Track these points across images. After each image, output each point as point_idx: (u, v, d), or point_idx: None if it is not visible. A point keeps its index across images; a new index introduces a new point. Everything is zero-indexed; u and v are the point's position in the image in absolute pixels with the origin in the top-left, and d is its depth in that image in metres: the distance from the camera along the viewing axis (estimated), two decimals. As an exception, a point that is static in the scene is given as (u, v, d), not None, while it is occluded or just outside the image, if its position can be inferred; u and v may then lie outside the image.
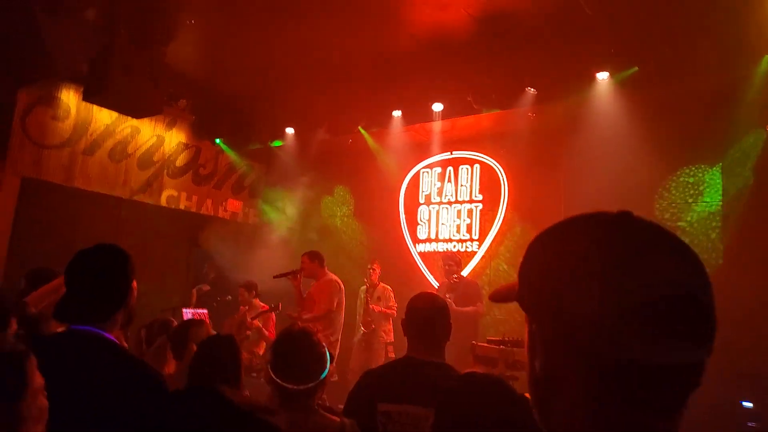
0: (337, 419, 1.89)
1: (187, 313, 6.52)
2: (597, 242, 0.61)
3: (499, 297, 0.75)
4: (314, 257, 5.72)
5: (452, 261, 6.06)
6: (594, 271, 0.58)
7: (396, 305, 6.40)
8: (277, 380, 1.81)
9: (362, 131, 7.15)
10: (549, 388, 0.64)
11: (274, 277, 5.74)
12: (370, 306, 6.41)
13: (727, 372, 3.80)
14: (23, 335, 2.25)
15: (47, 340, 1.87)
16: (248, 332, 5.96)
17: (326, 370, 1.88)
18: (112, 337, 1.65)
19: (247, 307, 6.38)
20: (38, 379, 1.23)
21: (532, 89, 5.60)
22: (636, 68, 4.96)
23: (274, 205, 8.68)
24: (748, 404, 4.47)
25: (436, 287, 6.57)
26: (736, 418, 4.41)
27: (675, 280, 0.57)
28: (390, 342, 6.40)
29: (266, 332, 6.13)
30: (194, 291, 8.27)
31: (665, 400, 0.59)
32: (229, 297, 6.92)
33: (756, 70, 4.87)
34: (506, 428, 1.10)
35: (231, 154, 8.52)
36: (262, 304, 6.46)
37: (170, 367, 2.93)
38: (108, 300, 1.70)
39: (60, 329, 2.01)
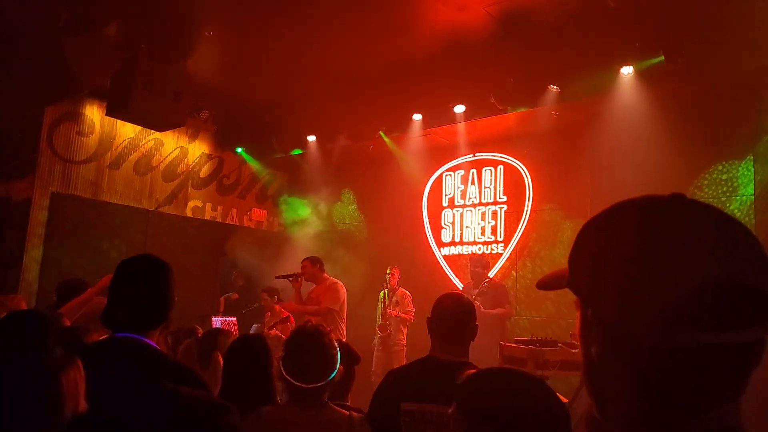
0: (346, 413, 1.94)
1: (216, 322, 6.59)
2: (650, 227, 0.61)
3: (548, 284, 0.75)
4: (315, 261, 5.81)
5: (480, 264, 6.01)
6: (646, 256, 0.58)
7: (414, 310, 6.40)
8: (288, 378, 1.87)
9: (383, 136, 7.13)
10: (605, 374, 0.64)
11: (276, 278, 5.86)
12: (387, 311, 6.43)
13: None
14: (67, 346, 2.29)
15: (90, 348, 1.90)
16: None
17: (335, 371, 1.92)
18: (153, 344, 1.67)
19: (269, 314, 6.43)
20: (81, 387, 1.26)
21: (555, 87, 5.50)
22: (662, 57, 4.81)
23: (297, 212, 8.71)
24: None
25: (461, 288, 6.51)
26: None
27: (727, 264, 0.56)
28: (405, 345, 6.41)
29: (285, 338, 6.13)
30: (222, 299, 8.36)
31: (720, 385, 0.58)
32: (257, 304, 6.94)
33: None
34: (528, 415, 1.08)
35: (253, 163, 8.60)
36: (284, 312, 6.48)
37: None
38: (157, 310, 1.75)
39: (100, 338, 2.04)
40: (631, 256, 0.59)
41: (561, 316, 5.58)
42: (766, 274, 0.57)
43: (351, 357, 2.62)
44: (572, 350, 4.10)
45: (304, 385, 1.85)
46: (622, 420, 0.62)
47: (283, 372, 1.89)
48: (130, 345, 1.66)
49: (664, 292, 0.55)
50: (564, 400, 2.64)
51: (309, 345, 1.92)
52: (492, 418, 1.06)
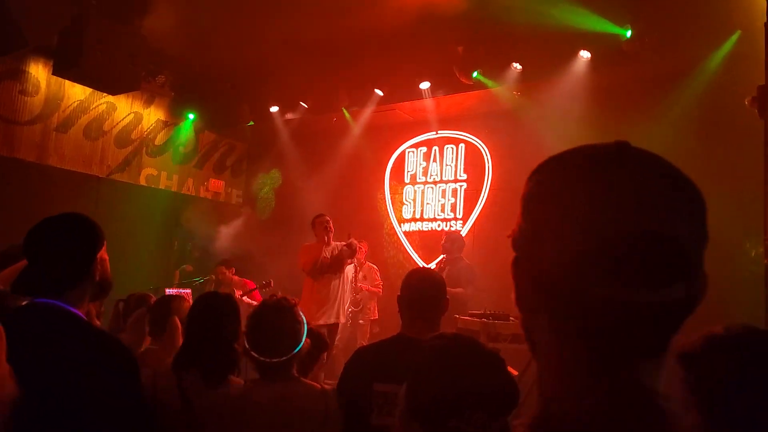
0: (318, 386, 1.92)
1: (171, 293, 6.45)
2: (586, 173, 0.58)
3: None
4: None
5: (450, 240, 6.03)
6: (577, 201, 0.56)
7: (381, 284, 6.45)
8: (252, 353, 1.84)
9: (345, 112, 7.03)
10: (534, 326, 0.63)
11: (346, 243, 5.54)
12: (358, 284, 6.43)
13: None
14: None
15: (11, 314, 1.79)
16: None
17: (300, 344, 1.88)
18: (75, 310, 1.56)
19: (237, 290, 6.38)
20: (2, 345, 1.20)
21: (518, 65, 5.52)
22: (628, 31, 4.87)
23: (260, 184, 8.56)
24: None
25: (419, 263, 6.58)
26: None
27: (656, 218, 0.54)
28: (374, 319, 6.46)
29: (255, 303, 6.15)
30: (177, 272, 8.18)
31: (639, 340, 0.56)
32: (213, 276, 6.83)
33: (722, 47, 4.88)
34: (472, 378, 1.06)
35: (186, 132, 8.27)
36: (246, 280, 6.48)
37: (146, 341, 2.86)
38: (67, 269, 1.60)
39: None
40: (558, 200, 0.58)
41: (512, 291, 5.70)
42: (696, 232, 0.55)
43: (319, 342, 2.58)
44: (524, 325, 4.20)
45: (269, 360, 1.82)
46: (546, 362, 0.62)
47: (247, 347, 1.85)
48: (46, 310, 1.56)
49: (583, 240, 0.54)
50: (514, 372, 2.70)
51: (273, 319, 1.88)
52: (440, 392, 1.04)
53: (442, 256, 6.03)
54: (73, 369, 1.46)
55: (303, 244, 5.53)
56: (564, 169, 0.62)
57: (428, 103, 6.65)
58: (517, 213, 0.65)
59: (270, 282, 5.97)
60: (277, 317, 1.89)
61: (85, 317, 1.66)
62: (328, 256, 5.32)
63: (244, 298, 6.05)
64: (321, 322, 5.04)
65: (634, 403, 0.55)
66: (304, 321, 1.95)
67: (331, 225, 5.39)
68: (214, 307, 2.12)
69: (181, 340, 2.54)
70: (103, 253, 1.71)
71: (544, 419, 0.58)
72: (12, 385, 1.21)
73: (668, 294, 0.54)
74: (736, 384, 0.99)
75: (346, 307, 5.65)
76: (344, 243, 5.48)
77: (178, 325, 2.60)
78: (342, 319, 5.47)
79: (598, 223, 0.54)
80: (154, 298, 3.32)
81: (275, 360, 1.82)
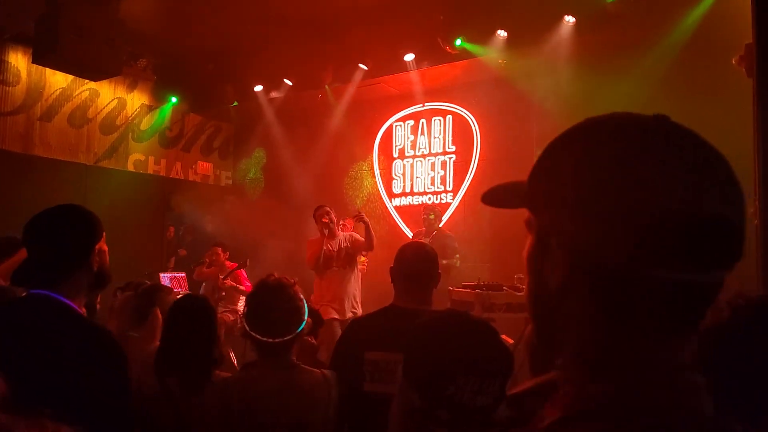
0: (319, 372, 1.89)
1: (165, 278, 6.48)
2: (629, 146, 0.55)
3: (498, 200, 0.67)
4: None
5: (432, 212, 6.09)
6: (623, 179, 0.53)
7: (367, 261, 6.41)
8: (253, 334, 1.79)
9: (328, 89, 6.98)
10: (562, 306, 0.59)
11: (354, 216, 5.39)
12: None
13: None
14: None
15: (6, 306, 1.80)
16: (222, 293, 5.99)
17: (303, 323, 1.84)
18: (68, 301, 1.56)
19: (213, 268, 6.38)
20: None
21: (503, 32, 5.48)
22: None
23: (245, 169, 8.52)
24: None
25: (410, 236, 6.61)
26: None
27: (707, 198, 0.52)
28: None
29: (242, 287, 6.16)
30: (173, 258, 8.20)
31: (685, 319, 0.56)
32: (206, 259, 6.84)
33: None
34: (473, 352, 1.08)
35: (167, 113, 8.17)
36: (230, 263, 6.50)
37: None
38: (62, 260, 1.61)
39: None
40: (606, 178, 0.54)
41: (506, 261, 5.76)
42: (739, 211, 0.54)
43: (315, 318, 2.58)
44: (517, 293, 4.27)
45: (270, 340, 1.77)
46: (574, 349, 0.59)
47: (247, 328, 1.80)
48: (39, 302, 1.57)
49: (639, 222, 0.52)
50: (509, 341, 2.76)
51: (272, 298, 1.84)
52: (434, 362, 1.07)
53: (420, 230, 6.08)
54: (61, 361, 1.47)
55: (308, 239, 5.41)
56: (603, 137, 0.58)
57: (414, 75, 6.61)
58: (537, 180, 0.62)
59: (246, 261, 5.85)
60: (277, 297, 1.84)
61: (81, 309, 1.67)
62: (334, 249, 5.13)
63: (227, 280, 6.05)
64: (333, 316, 4.91)
65: (677, 381, 0.55)
66: (305, 300, 1.92)
67: (333, 216, 5.20)
68: (190, 311, 2.13)
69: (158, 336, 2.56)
70: (102, 244, 1.71)
71: (583, 403, 0.56)
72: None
73: (722, 275, 0.54)
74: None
75: (359, 301, 5.36)
76: (350, 229, 5.38)
77: (158, 317, 2.60)
78: (358, 312, 5.16)
79: (653, 202, 0.52)
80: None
81: (277, 340, 1.78)
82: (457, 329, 1.13)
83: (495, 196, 0.67)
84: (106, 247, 1.75)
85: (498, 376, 1.04)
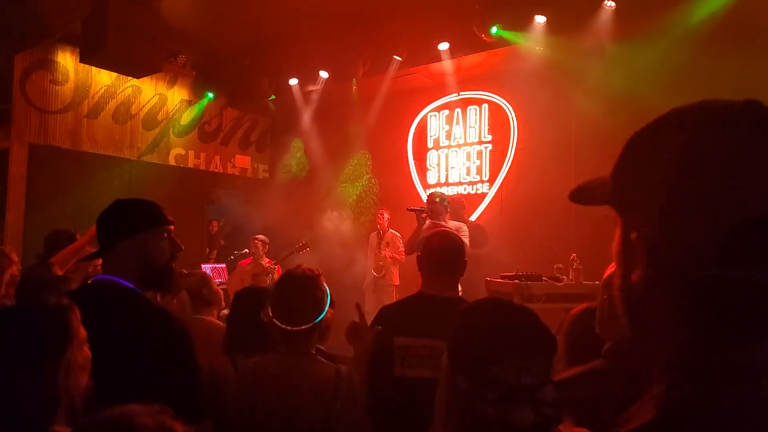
0: (333, 366, 1.90)
1: (206, 269, 6.67)
2: (715, 141, 0.52)
3: (583, 198, 0.67)
4: (444, 199, 5.32)
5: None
6: (709, 178, 0.51)
7: (404, 250, 6.48)
8: (274, 320, 1.85)
9: (353, 84, 7.02)
10: (647, 305, 0.58)
11: (408, 209, 5.48)
12: (382, 252, 6.53)
13: None
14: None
15: (74, 292, 1.90)
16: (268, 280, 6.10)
17: (323, 313, 1.89)
18: (128, 283, 1.65)
19: (252, 259, 6.55)
20: (82, 331, 1.29)
21: (540, 18, 5.38)
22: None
23: (289, 159, 8.61)
24: None
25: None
26: None
27: None
28: (396, 285, 6.56)
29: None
30: (215, 251, 8.41)
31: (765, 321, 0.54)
32: (246, 251, 7.00)
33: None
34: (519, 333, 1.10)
35: (202, 108, 8.34)
36: (268, 259, 6.62)
37: None
38: (108, 234, 1.70)
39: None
40: (692, 178, 0.52)
41: (545, 251, 5.70)
42: None
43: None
44: (557, 283, 4.23)
45: (290, 328, 1.83)
46: (661, 350, 0.59)
47: (271, 315, 1.86)
48: (103, 286, 1.67)
49: (724, 224, 0.50)
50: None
51: (294, 288, 1.89)
52: (478, 344, 1.09)
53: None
54: (135, 339, 1.56)
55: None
56: (689, 131, 0.55)
57: (448, 64, 6.56)
58: (621, 178, 0.60)
59: (304, 243, 6.02)
60: (299, 286, 1.90)
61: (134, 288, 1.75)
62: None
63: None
64: None
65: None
66: (328, 291, 1.96)
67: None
68: (255, 297, 2.26)
69: (189, 315, 2.71)
70: (156, 236, 1.79)
71: (674, 406, 0.55)
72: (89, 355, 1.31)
73: None
74: None
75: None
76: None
77: (184, 300, 2.78)
78: None
79: (747, 201, 0.50)
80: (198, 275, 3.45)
81: (298, 328, 1.83)
82: (500, 312, 1.16)
83: (581, 193, 0.67)
84: (165, 247, 1.84)
85: (541, 355, 1.06)
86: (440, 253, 2.24)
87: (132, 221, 1.72)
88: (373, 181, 7.93)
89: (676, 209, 0.53)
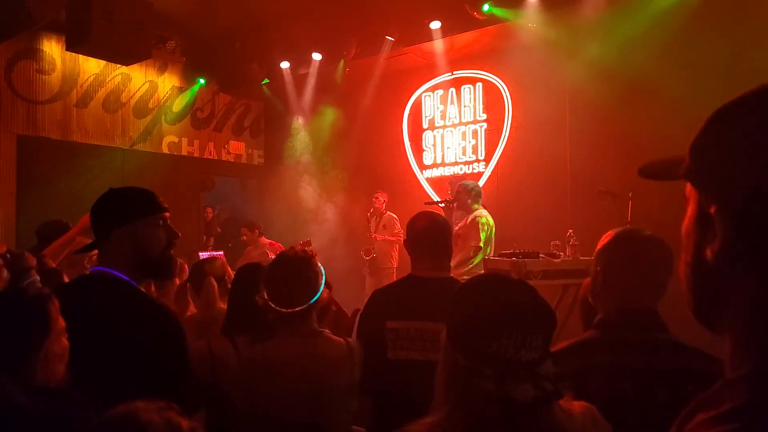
0: (343, 340, 1.94)
1: (204, 256, 6.64)
2: None
3: (655, 173, 0.67)
4: (470, 189, 5.14)
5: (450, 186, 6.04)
6: None
7: (402, 232, 6.50)
8: (269, 303, 1.85)
9: (340, 66, 6.93)
10: (725, 280, 0.58)
11: (426, 203, 5.46)
12: (373, 235, 6.54)
13: None
14: (45, 283, 2.30)
15: (67, 285, 1.88)
16: None
17: (317, 294, 1.89)
18: (123, 276, 1.64)
19: (251, 247, 6.53)
20: (61, 321, 1.29)
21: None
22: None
23: (290, 144, 8.53)
24: None
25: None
26: None
27: None
28: (395, 267, 6.58)
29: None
30: (212, 238, 8.41)
31: None
32: (244, 238, 6.98)
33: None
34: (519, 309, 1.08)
35: (194, 94, 8.26)
36: (269, 241, 6.60)
37: (191, 309, 2.98)
38: (101, 222, 1.68)
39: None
40: None
41: (542, 228, 5.70)
42: None
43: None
44: (554, 260, 4.23)
45: (285, 310, 1.83)
46: (744, 327, 0.57)
47: (266, 298, 1.86)
48: (97, 278, 1.65)
49: None
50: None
51: (289, 270, 1.89)
52: (476, 320, 1.07)
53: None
54: (127, 331, 1.54)
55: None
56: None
57: (441, 43, 6.49)
58: (700, 151, 0.61)
59: (308, 242, 5.95)
60: (293, 267, 1.89)
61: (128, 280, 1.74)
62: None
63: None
64: None
65: None
66: (323, 272, 1.96)
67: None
68: (255, 275, 2.20)
69: (218, 301, 2.67)
70: (150, 224, 1.77)
71: (757, 392, 0.53)
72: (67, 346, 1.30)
73: None
74: None
75: None
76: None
77: (214, 285, 2.72)
78: None
79: None
80: (186, 267, 3.44)
81: (293, 310, 1.83)
82: (497, 288, 1.14)
83: (653, 168, 0.67)
84: (161, 234, 1.81)
85: (540, 330, 1.05)
86: (426, 233, 2.22)
87: (125, 210, 1.69)
88: (368, 163, 7.89)
89: (758, 180, 0.53)
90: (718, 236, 0.57)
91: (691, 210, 0.62)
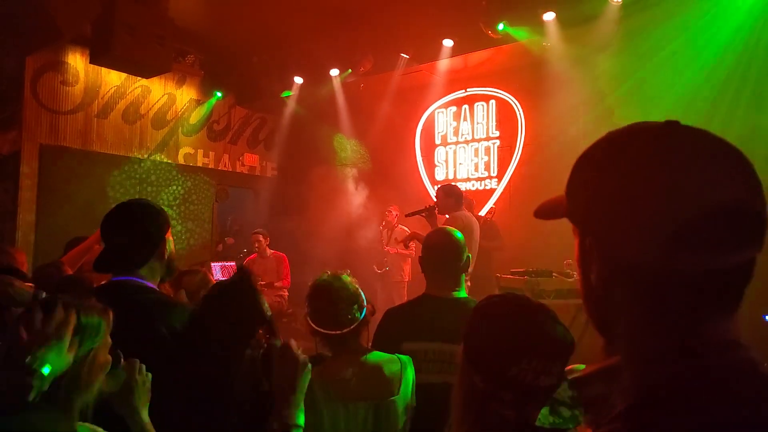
0: (395, 357, 1.91)
1: (216, 267, 6.71)
2: (645, 155, 0.61)
3: (545, 213, 0.75)
4: (450, 193, 4.98)
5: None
6: (643, 185, 0.59)
7: (415, 245, 6.50)
8: (320, 329, 1.83)
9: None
10: (606, 299, 0.65)
11: (407, 215, 5.36)
12: (385, 248, 6.57)
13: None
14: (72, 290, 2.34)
15: (99, 293, 1.92)
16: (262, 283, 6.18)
17: (365, 310, 1.88)
18: (151, 285, 1.69)
19: (256, 255, 6.63)
20: (108, 337, 1.29)
21: (547, 15, 5.36)
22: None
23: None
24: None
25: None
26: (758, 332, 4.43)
27: (723, 189, 0.57)
28: (407, 281, 6.59)
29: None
30: (220, 245, 8.47)
31: (719, 300, 0.60)
32: (257, 245, 7.03)
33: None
34: (528, 331, 1.10)
35: (210, 108, 8.39)
36: (272, 251, 6.70)
37: None
38: (139, 249, 1.73)
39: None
40: (628, 186, 0.59)
41: (554, 247, 5.70)
42: (758, 195, 0.59)
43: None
44: (567, 279, 4.23)
45: (335, 332, 1.82)
46: (626, 340, 0.64)
47: (314, 326, 1.85)
48: (126, 286, 1.70)
49: (663, 221, 0.56)
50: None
51: (331, 292, 1.87)
52: (496, 344, 1.08)
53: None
54: (158, 338, 1.59)
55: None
56: (621, 149, 0.64)
57: (455, 61, 6.55)
58: (571, 193, 0.67)
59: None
60: (334, 290, 1.88)
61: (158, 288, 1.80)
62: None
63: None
64: None
65: (731, 359, 0.59)
66: (359, 289, 1.95)
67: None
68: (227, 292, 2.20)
69: None
70: (169, 235, 1.84)
71: (643, 392, 0.59)
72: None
73: (746, 255, 0.58)
74: None
75: None
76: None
77: (183, 299, 2.70)
78: None
79: (678, 202, 0.56)
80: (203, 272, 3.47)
81: (345, 330, 1.82)
82: (518, 311, 1.13)
83: (543, 210, 0.75)
84: (172, 238, 1.87)
85: (560, 356, 1.05)
86: (440, 252, 2.18)
87: (155, 234, 1.79)
88: (380, 178, 7.94)
89: (621, 215, 0.60)
90: (594, 264, 0.65)
91: (576, 242, 0.70)
